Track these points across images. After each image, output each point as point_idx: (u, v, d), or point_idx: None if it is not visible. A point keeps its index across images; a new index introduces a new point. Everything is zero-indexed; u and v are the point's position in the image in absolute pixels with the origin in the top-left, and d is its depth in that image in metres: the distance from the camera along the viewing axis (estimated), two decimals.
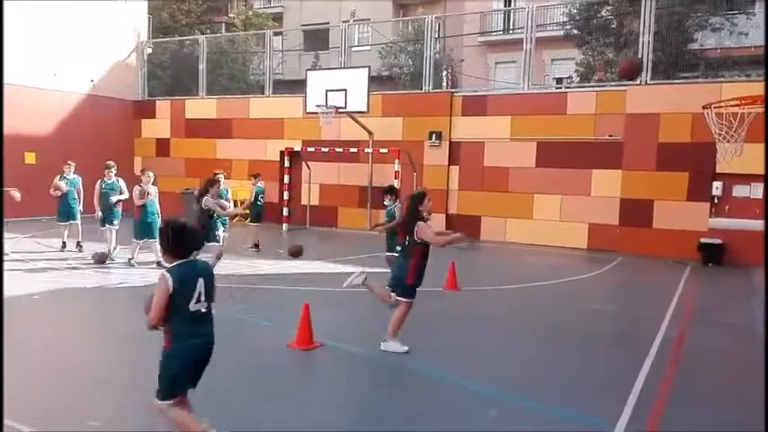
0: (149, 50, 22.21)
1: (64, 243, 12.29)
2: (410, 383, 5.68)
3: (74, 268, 10.67)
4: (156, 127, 21.25)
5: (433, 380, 5.67)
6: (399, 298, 6.36)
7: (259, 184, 13.50)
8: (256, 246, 13.19)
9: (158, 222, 10.89)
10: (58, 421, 4.55)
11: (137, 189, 10.83)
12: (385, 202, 9.52)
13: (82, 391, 5.22)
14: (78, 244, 12.17)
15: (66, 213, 12.18)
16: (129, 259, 10.85)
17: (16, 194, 9.79)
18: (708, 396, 5.54)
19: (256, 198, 13.40)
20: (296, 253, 8.91)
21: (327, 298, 8.97)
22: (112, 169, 11.48)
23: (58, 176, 12.18)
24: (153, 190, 10.93)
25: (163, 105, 21.21)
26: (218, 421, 4.65)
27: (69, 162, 12.44)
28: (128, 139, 21.27)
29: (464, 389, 5.47)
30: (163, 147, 21.13)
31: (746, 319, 8.61)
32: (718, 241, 13.51)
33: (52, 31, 18.15)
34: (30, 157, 17.38)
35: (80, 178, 12.45)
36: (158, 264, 10.66)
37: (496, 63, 26.33)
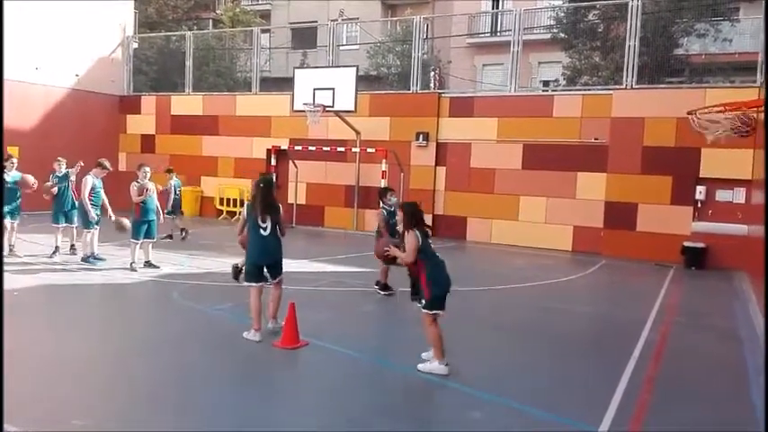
0: (135, 45, 22.02)
1: (57, 248, 11.12)
2: (395, 383, 5.67)
3: (58, 267, 10.54)
4: (142, 123, 21.06)
5: (418, 380, 5.67)
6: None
7: (176, 179, 14.44)
8: (170, 237, 13.82)
9: (156, 221, 10.53)
10: (41, 420, 4.49)
11: (135, 185, 10.19)
12: (394, 199, 9.23)
13: (63, 389, 5.16)
14: (72, 246, 11.39)
15: (62, 214, 11.16)
16: (132, 263, 10.20)
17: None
18: (691, 397, 5.59)
19: (175, 192, 14.21)
20: None
21: (312, 297, 8.95)
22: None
23: (51, 175, 11.12)
24: (152, 186, 10.38)
25: (148, 101, 21.03)
26: (205, 420, 4.63)
27: (59, 158, 11.39)
28: (112, 134, 21.06)
29: (448, 389, 5.48)
30: (148, 143, 20.94)
31: (729, 321, 8.72)
32: (700, 245, 13.66)
33: (37, 24, 17.93)
34: (12, 152, 17.14)
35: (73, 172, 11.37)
36: (148, 263, 10.49)
37: (484, 65, 26.42)
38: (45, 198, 11.25)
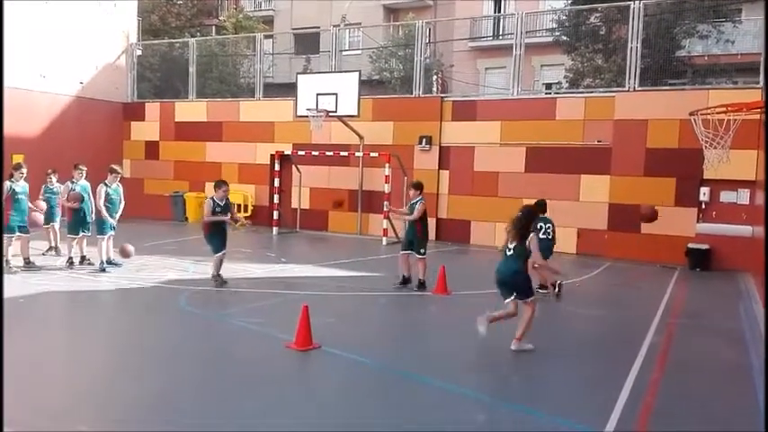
0: (139, 52, 22.11)
1: (80, 257, 11.02)
2: (400, 388, 5.68)
3: (61, 272, 10.58)
4: (145, 129, 21.13)
5: (425, 384, 5.68)
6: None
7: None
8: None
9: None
10: (46, 425, 4.52)
11: (207, 202, 9.69)
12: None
13: (66, 396, 5.19)
14: (83, 258, 11.07)
15: (80, 224, 10.81)
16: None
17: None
18: (696, 398, 5.59)
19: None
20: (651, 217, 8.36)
21: (318, 302, 8.96)
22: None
23: (69, 183, 10.84)
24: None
25: (152, 108, 21.12)
26: (220, 422, 4.66)
27: (81, 167, 11.03)
28: (116, 141, 21.11)
29: (454, 393, 5.49)
30: (152, 150, 21.02)
31: (734, 323, 8.70)
32: (705, 246, 13.63)
33: (41, 32, 18.01)
34: (17, 159, 17.22)
35: (89, 185, 11.11)
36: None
37: (486, 68, 26.43)
38: (70, 206, 10.76)
